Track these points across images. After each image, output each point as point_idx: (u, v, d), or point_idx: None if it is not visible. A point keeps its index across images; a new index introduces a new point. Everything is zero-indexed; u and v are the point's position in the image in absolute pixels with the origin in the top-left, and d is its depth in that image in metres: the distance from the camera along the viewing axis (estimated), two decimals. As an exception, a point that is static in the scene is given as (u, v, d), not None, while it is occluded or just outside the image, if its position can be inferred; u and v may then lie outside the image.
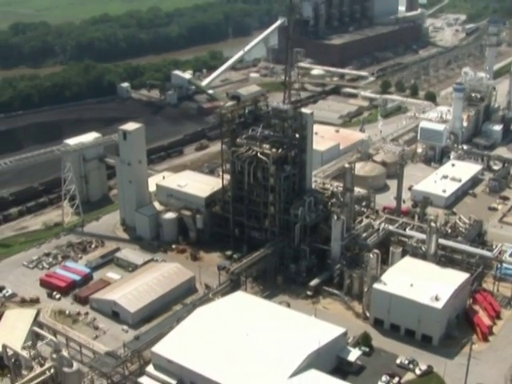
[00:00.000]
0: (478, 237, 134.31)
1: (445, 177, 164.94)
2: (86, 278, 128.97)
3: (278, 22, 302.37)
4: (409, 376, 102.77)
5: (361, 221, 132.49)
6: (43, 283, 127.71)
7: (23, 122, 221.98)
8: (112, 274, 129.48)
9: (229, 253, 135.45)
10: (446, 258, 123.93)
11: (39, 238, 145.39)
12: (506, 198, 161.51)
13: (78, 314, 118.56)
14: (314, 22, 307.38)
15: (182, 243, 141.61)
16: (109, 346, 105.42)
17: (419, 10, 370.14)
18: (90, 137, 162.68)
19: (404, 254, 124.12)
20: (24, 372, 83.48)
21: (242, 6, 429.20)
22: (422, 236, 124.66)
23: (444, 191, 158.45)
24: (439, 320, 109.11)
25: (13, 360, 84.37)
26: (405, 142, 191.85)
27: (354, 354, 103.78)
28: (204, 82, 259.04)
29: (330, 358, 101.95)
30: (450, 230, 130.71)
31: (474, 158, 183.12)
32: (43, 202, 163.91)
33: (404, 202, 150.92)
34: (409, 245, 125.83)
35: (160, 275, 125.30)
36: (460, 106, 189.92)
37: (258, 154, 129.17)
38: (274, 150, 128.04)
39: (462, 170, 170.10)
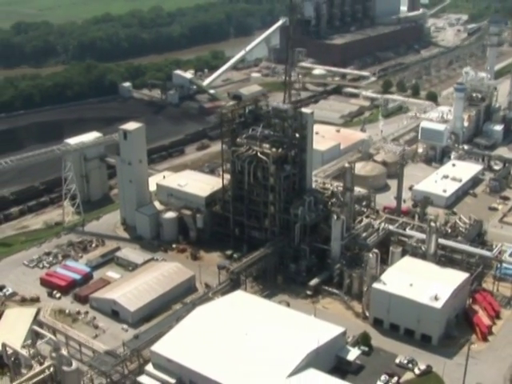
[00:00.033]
0: (478, 237, 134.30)
1: (445, 177, 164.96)
2: (86, 277, 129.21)
3: (280, 22, 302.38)
4: (408, 375, 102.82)
5: (361, 220, 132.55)
6: (43, 282, 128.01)
7: (24, 121, 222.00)
8: (112, 273, 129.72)
9: (229, 252, 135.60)
10: (446, 258, 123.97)
11: (40, 237, 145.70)
12: (506, 198, 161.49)
13: (78, 312, 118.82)
14: (316, 21, 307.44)
15: (182, 242, 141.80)
16: (108, 344, 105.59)
17: (421, 10, 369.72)
18: (91, 136, 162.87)
19: (404, 253, 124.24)
20: (23, 370, 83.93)
21: (243, 6, 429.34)
22: (422, 236, 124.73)
23: (444, 191, 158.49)
24: (438, 320, 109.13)
25: (12, 359, 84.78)
26: (405, 142, 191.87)
27: (353, 354, 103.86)
28: (205, 82, 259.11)
29: (329, 358, 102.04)
30: (449, 230, 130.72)
31: (474, 158, 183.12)
32: (44, 201, 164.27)
33: (404, 201, 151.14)
34: (409, 244, 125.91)
35: (160, 274, 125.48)
36: (461, 106, 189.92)
37: (258, 153, 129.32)
38: (274, 149, 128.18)
39: (462, 169, 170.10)
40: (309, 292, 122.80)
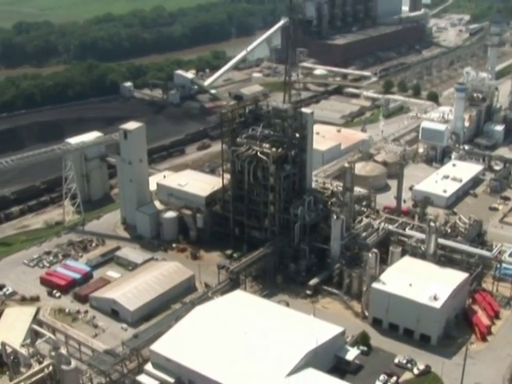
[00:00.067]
0: (478, 237, 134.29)
1: (446, 177, 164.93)
2: (86, 277, 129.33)
3: (281, 22, 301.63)
4: (407, 375, 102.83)
5: (361, 220, 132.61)
6: (43, 281, 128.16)
7: (26, 120, 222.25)
8: (112, 272, 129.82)
9: (229, 252, 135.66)
10: (446, 258, 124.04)
11: (40, 237, 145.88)
12: (506, 199, 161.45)
13: (78, 312, 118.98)
14: (317, 21, 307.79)
15: (182, 242, 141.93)
16: (108, 344, 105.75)
17: (423, 10, 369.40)
18: (91, 136, 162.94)
19: (403, 253, 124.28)
20: (22, 369, 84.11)
21: (245, 6, 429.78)
22: (422, 236, 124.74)
23: (445, 191, 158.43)
24: (438, 320, 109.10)
25: (12, 357, 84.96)
26: (406, 142, 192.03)
27: (352, 353, 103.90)
28: (207, 82, 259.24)
29: (327, 357, 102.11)
30: (449, 230, 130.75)
31: (475, 158, 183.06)
32: (45, 200, 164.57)
33: (405, 201, 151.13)
34: (408, 244, 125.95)
35: (160, 274, 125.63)
36: (462, 106, 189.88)
37: (258, 153, 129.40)
38: (273, 149, 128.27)
39: (463, 170, 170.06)
40: (308, 292, 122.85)
